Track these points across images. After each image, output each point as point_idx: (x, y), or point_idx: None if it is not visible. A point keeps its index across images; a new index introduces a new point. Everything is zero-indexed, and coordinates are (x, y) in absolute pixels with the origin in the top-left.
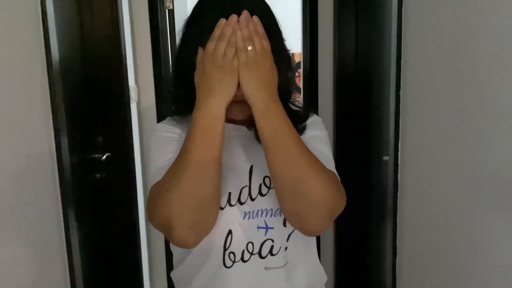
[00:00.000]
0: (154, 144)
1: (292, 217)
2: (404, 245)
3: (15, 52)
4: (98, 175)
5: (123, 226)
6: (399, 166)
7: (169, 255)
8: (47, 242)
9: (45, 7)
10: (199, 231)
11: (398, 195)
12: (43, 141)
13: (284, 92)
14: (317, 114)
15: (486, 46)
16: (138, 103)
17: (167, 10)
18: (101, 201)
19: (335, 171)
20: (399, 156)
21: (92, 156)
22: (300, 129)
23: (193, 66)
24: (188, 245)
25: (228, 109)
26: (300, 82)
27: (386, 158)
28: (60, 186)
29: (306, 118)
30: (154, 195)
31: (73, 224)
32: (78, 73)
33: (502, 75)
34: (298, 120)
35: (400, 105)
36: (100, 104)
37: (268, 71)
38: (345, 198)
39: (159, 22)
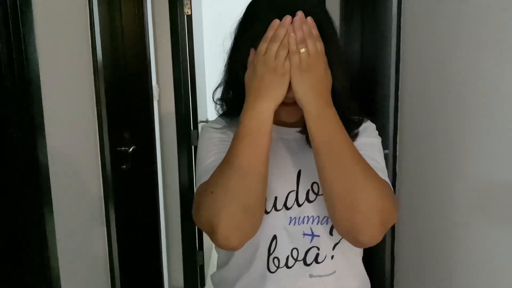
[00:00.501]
0: (202, 143)
1: (342, 227)
2: (402, 237)
3: (72, 57)
4: (124, 166)
5: (145, 211)
6: (397, 158)
7: (185, 235)
8: (91, 221)
9: (93, 18)
10: (243, 234)
11: (397, 184)
12: (90, 135)
13: (339, 97)
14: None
15: (477, 48)
16: (159, 102)
17: (185, 15)
18: (127, 189)
19: (388, 180)
20: (397, 149)
21: (120, 149)
22: (353, 136)
23: (244, 68)
24: (231, 248)
25: (278, 112)
26: None
27: (386, 151)
28: (103, 176)
29: (359, 124)
30: (200, 196)
31: (112, 210)
32: (112, 74)
33: (498, 75)
34: (351, 126)
35: (398, 104)
36: (127, 102)
37: (322, 74)
38: (398, 209)
39: (179, 27)
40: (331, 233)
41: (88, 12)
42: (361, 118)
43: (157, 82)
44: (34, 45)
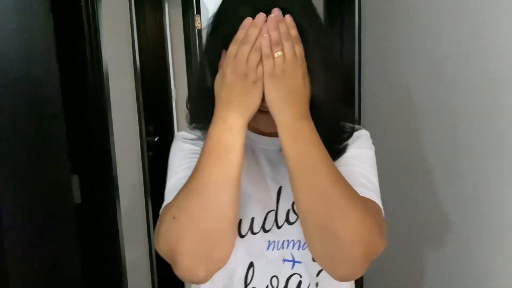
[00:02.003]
0: (173, 155)
1: (319, 258)
2: None
3: (123, 64)
4: (151, 153)
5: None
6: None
7: None
8: (135, 202)
9: (134, 33)
10: (210, 265)
11: None
12: (133, 126)
13: (322, 106)
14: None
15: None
16: (176, 102)
17: (196, 29)
18: (152, 174)
19: (378, 200)
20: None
21: (148, 139)
22: (342, 148)
23: (215, 73)
24: (196, 281)
25: (256, 120)
26: None
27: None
28: (142, 163)
29: (350, 134)
30: (161, 220)
31: (148, 196)
32: (142, 77)
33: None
34: (339, 138)
35: (361, 101)
36: (152, 100)
37: (299, 82)
38: (385, 237)
39: (191, 39)
40: (314, 259)
41: (130, 28)
42: (352, 126)
43: (175, 86)
44: (101, 52)
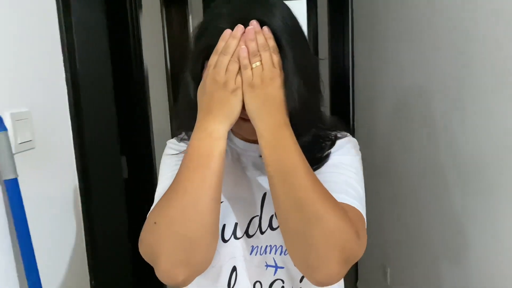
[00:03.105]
0: (162, 163)
1: (297, 263)
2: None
3: (157, 66)
4: None
5: None
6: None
7: None
8: None
9: (165, 39)
10: (190, 269)
11: None
12: (167, 120)
13: (301, 114)
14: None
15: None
16: None
17: None
18: None
19: (358, 205)
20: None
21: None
22: (324, 157)
23: (196, 82)
24: (176, 284)
25: (240, 127)
26: None
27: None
28: None
29: (333, 141)
30: (144, 226)
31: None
32: (171, 78)
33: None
34: (321, 147)
35: (355, 97)
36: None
37: (277, 91)
38: (364, 241)
39: None
40: None
41: (162, 38)
42: (335, 134)
43: None
44: (142, 57)
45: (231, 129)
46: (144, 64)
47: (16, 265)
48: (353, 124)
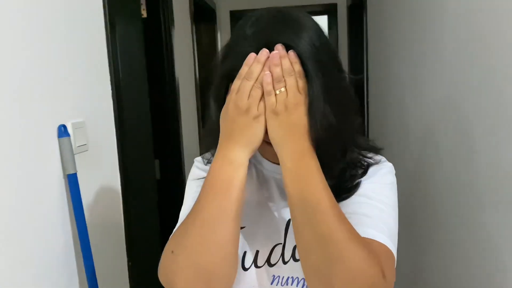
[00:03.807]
0: (188, 182)
1: None
2: None
3: (187, 77)
4: None
5: None
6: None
7: None
8: None
9: (195, 49)
10: None
11: None
12: (195, 127)
13: (327, 142)
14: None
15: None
16: None
17: None
18: None
19: (387, 240)
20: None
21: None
22: (354, 186)
23: (221, 106)
24: None
25: (264, 151)
26: None
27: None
28: (200, 152)
29: (364, 172)
30: (163, 253)
31: None
32: (200, 89)
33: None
34: (350, 176)
35: (369, 100)
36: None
37: (301, 118)
38: (391, 281)
39: None
40: None
41: (192, 46)
42: (370, 160)
43: None
44: (174, 69)
45: (258, 150)
46: (176, 76)
47: (74, 243)
48: (368, 130)
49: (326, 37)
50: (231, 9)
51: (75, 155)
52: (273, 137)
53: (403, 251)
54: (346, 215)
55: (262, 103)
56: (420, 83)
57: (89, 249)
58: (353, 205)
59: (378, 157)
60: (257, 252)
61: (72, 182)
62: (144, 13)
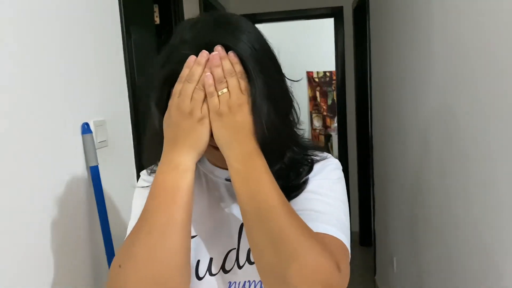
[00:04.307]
0: (134, 197)
1: None
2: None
3: None
4: None
5: None
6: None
7: None
8: None
9: None
10: None
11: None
12: None
13: (273, 141)
14: (345, 116)
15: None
16: None
17: None
18: None
19: (340, 234)
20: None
21: None
22: (301, 183)
23: (162, 112)
24: None
25: (212, 155)
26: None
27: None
28: None
29: (310, 168)
30: (111, 268)
31: None
32: None
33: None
34: (297, 173)
35: (372, 103)
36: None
37: (245, 118)
38: (346, 273)
39: None
40: None
41: None
42: (314, 157)
43: None
44: None
45: (206, 157)
46: None
47: (95, 227)
48: (371, 130)
49: (266, 41)
50: (241, 13)
51: (96, 150)
52: (218, 138)
53: (406, 252)
54: (298, 212)
55: (205, 105)
56: (415, 84)
57: (108, 232)
58: (303, 201)
59: (324, 154)
60: (211, 259)
61: (94, 173)
62: (157, 20)
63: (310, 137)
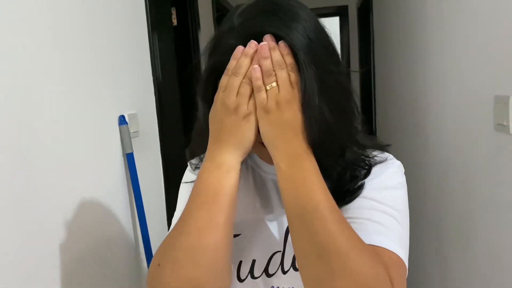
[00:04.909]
0: (181, 186)
1: None
2: None
3: None
4: None
5: None
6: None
7: None
8: None
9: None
10: None
11: None
12: None
13: (326, 141)
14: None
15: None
16: None
17: None
18: None
19: (396, 246)
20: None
21: None
22: (357, 188)
23: (208, 106)
24: None
25: (260, 152)
26: None
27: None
28: None
29: (368, 170)
30: (151, 264)
31: None
32: None
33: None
34: (352, 177)
35: (376, 100)
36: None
37: (295, 115)
38: (402, 285)
39: None
40: None
41: None
42: (373, 158)
43: None
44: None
45: (254, 152)
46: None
47: (131, 210)
48: (375, 128)
49: (323, 30)
50: None
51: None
52: (265, 136)
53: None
54: (349, 221)
55: (252, 101)
56: (419, 82)
57: (143, 215)
58: (357, 209)
59: (384, 155)
60: (254, 261)
61: (130, 159)
62: (175, 21)
63: None
